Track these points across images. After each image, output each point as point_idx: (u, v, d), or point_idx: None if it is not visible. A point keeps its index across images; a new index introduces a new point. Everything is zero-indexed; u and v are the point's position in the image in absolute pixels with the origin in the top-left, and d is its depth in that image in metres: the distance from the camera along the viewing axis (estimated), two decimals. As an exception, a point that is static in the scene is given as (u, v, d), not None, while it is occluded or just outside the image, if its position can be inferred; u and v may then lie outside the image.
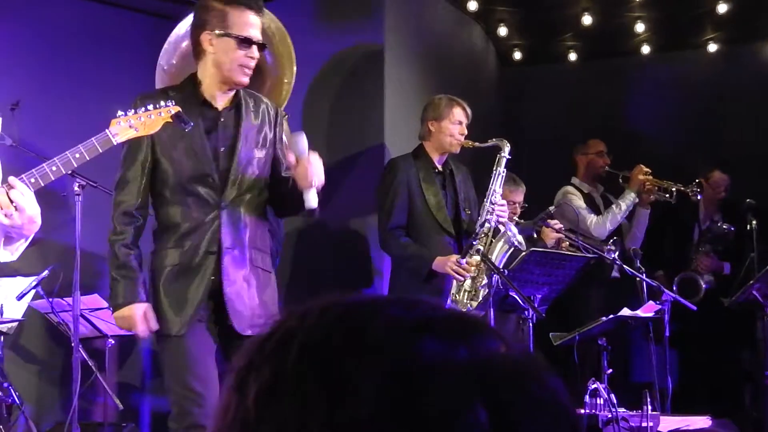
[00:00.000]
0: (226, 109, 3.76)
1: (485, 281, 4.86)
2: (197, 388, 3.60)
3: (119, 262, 3.66)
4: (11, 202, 2.89)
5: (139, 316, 3.62)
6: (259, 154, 3.77)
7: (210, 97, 3.74)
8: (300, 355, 0.73)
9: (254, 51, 3.68)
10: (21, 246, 3.02)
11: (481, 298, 4.86)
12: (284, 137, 3.94)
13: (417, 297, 0.79)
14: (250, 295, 3.71)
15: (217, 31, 3.65)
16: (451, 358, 0.72)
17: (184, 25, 4.49)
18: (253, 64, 3.70)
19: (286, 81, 4.85)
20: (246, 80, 3.72)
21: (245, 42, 3.65)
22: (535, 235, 5.76)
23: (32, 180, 3.02)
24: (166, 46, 4.69)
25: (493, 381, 0.72)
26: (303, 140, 3.64)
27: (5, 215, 2.87)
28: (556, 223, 5.65)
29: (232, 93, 3.77)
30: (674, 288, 6.43)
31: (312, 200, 3.61)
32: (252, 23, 3.69)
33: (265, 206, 3.88)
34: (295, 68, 4.85)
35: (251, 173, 3.74)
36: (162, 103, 3.39)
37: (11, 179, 2.95)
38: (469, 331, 0.75)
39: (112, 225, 3.71)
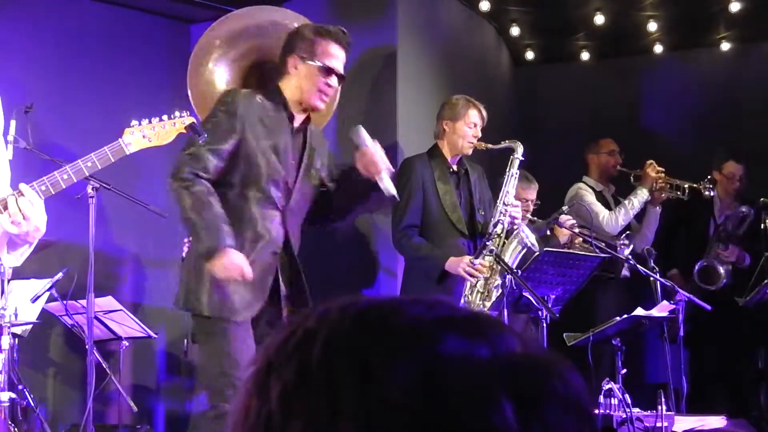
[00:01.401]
0: (299, 128, 4.08)
1: (498, 282, 4.85)
2: (237, 375, 3.73)
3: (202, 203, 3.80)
4: (19, 210, 2.89)
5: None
6: (314, 175, 4.11)
7: (292, 110, 4.03)
8: (324, 350, 0.73)
9: (334, 80, 3.97)
10: (26, 252, 3.02)
11: (493, 299, 4.85)
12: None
13: (435, 297, 0.80)
14: (299, 288, 4.00)
15: (303, 56, 3.96)
16: (473, 353, 0.72)
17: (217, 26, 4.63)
18: (331, 92, 4.00)
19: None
20: (321, 106, 4.01)
21: (327, 71, 3.94)
22: (548, 233, 5.74)
23: (43, 188, 3.02)
24: (197, 49, 4.73)
25: (517, 377, 0.72)
26: (363, 131, 3.94)
27: (13, 223, 2.88)
28: (568, 219, 5.63)
29: (305, 116, 4.08)
30: (694, 277, 6.40)
31: (389, 186, 3.83)
32: (336, 55, 3.98)
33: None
34: None
35: (308, 188, 4.05)
36: (176, 113, 3.41)
37: (22, 186, 2.94)
38: (489, 330, 0.76)
39: (179, 171, 3.82)
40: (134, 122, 3.31)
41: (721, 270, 6.47)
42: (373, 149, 3.86)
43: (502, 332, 0.76)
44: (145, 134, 3.30)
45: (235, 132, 3.86)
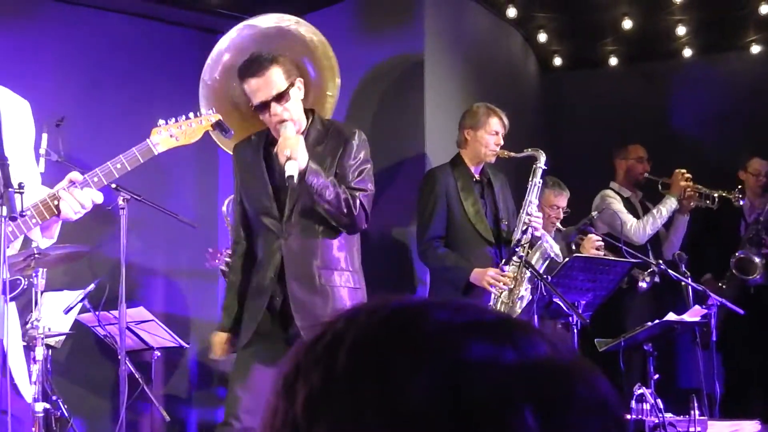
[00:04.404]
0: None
1: (521, 294, 4.85)
2: (242, 396, 3.93)
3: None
4: (75, 198, 3.09)
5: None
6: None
7: (274, 139, 4.02)
8: (350, 355, 0.74)
9: (273, 109, 3.94)
10: (57, 229, 3.16)
11: (519, 310, 4.83)
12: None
13: (464, 301, 0.80)
14: (321, 309, 3.95)
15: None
16: (498, 359, 0.72)
17: (227, 39, 4.58)
18: (278, 117, 3.96)
19: (329, 93, 4.90)
20: (278, 135, 3.98)
21: (263, 107, 3.96)
22: (573, 247, 5.72)
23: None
24: (209, 60, 4.74)
25: (540, 382, 0.72)
26: (290, 127, 3.93)
27: (75, 212, 3.07)
28: (597, 240, 5.60)
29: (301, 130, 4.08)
30: (731, 268, 6.33)
31: (288, 168, 3.80)
32: (258, 88, 3.96)
33: (335, 228, 4.09)
34: (338, 80, 4.88)
35: (309, 201, 3.96)
36: (202, 110, 3.45)
37: (72, 176, 3.12)
38: (516, 334, 0.76)
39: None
40: (161, 122, 3.34)
41: (758, 260, 6.39)
42: (288, 139, 3.85)
43: (530, 336, 0.76)
44: (173, 133, 3.34)
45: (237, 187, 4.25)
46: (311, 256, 4.01)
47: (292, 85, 3.99)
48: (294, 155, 3.80)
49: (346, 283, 4.08)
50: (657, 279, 6.19)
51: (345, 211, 3.94)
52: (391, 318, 0.76)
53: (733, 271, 6.36)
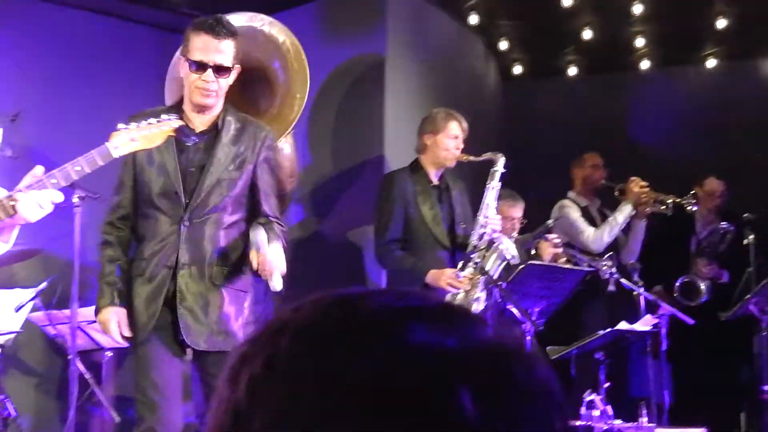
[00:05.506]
0: (205, 131, 3.87)
1: (477, 295, 4.87)
2: (152, 395, 3.75)
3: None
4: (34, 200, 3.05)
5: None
6: (233, 175, 3.85)
7: (188, 119, 3.83)
8: (291, 340, 0.74)
9: (208, 74, 3.75)
10: (14, 234, 3.09)
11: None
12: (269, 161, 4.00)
13: (408, 288, 0.80)
14: (208, 311, 3.78)
15: (183, 56, 3.80)
16: (438, 343, 0.72)
17: None
18: (210, 87, 3.77)
19: (298, 96, 4.88)
20: (206, 102, 3.81)
21: (199, 66, 3.74)
22: (533, 251, 5.76)
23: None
24: (174, 58, 4.72)
25: (478, 366, 0.72)
26: (260, 234, 3.70)
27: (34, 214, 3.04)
28: (555, 238, 5.66)
29: (211, 115, 3.87)
30: (675, 293, 6.43)
31: (276, 284, 3.65)
32: (207, 47, 3.75)
33: (243, 225, 3.92)
34: (308, 84, 4.87)
35: (220, 193, 3.82)
36: (164, 116, 3.42)
37: (36, 171, 3.09)
38: (457, 319, 0.76)
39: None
40: (121, 125, 3.32)
41: (702, 286, 6.52)
42: (265, 256, 3.64)
43: (472, 322, 0.77)
44: (133, 137, 3.32)
45: (128, 163, 3.85)
46: (208, 251, 3.81)
47: (233, 68, 3.84)
48: (281, 270, 3.68)
49: (237, 285, 3.89)
50: (613, 288, 6.25)
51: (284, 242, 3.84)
52: (334, 304, 0.77)
53: (676, 295, 6.45)
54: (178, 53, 3.87)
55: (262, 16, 4.77)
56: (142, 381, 3.79)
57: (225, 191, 3.83)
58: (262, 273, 3.66)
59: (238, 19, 4.52)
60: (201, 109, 3.83)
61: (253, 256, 3.67)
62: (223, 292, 3.83)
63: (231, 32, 3.81)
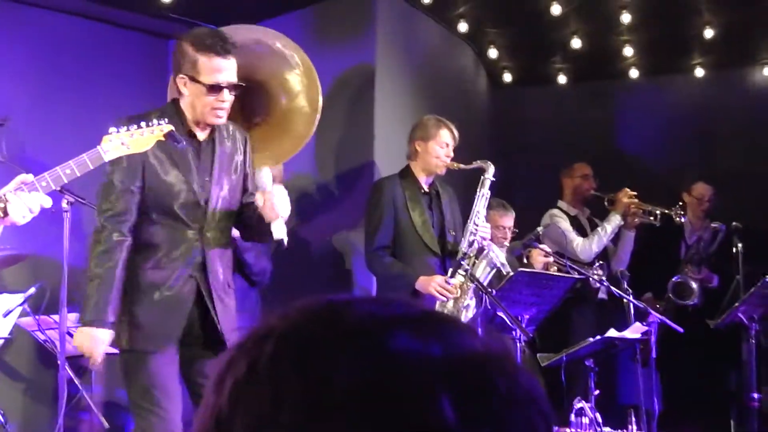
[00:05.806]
0: (206, 141, 3.88)
1: (467, 302, 4.88)
2: (164, 403, 3.71)
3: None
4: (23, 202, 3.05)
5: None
6: (232, 179, 3.91)
7: (189, 127, 3.85)
8: (275, 346, 0.74)
9: (224, 95, 3.76)
10: None
11: (463, 319, 4.85)
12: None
13: (394, 296, 0.81)
14: (229, 310, 3.86)
15: (189, 76, 3.75)
16: (421, 350, 0.73)
17: None
18: (225, 105, 3.79)
19: (314, 110, 4.99)
20: (219, 121, 3.83)
21: (214, 89, 3.74)
22: (525, 260, 5.77)
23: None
24: (171, 82, 4.73)
25: (460, 374, 0.72)
26: (266, 174, 3.75)
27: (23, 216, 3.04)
28: (545, 248, 5.68)
29: (209, 129, 3.89)
30: (668, 292, 6.48)
31: (279, 231, 3.69)
32: (219, 69, 3.75)
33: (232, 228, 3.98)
34: (321, 97, 4.94)
35: (224, 199, 3.86)
36: (154, 121, 3.42)
37: (23, 178, 3.08)
38: (441, 328, 0.76)
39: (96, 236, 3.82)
40: (112, 129, 3.33)
41: (694, 285, 6.58)
42: (272, 194, 3.68)
43: (456, 330, 0.77)
44: (124, 141, 3.32)
45: (137, 169, 3.77)
46: (222, 256, 3.87)
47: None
48: (285, 215, 3.70)
49: (233, 285, 3.97)
50: (604, 296, 6.28)
51: None
52: (320, 311, 0.77)
53: (670, 295, 6.51)
54: (177, 76, 3.80)
55: (265, 28, 4.80)
56: (152, 389, 3.72)
57: (227, 195, 3.88)
58: (268, 215, 3.69)
59: (243, 34, 4.56)
60: (208, 126, 3.86)
61: (260, 196, 3.71)
62: (232, 292, 3.92)
63: (234, 46, 3.81)
